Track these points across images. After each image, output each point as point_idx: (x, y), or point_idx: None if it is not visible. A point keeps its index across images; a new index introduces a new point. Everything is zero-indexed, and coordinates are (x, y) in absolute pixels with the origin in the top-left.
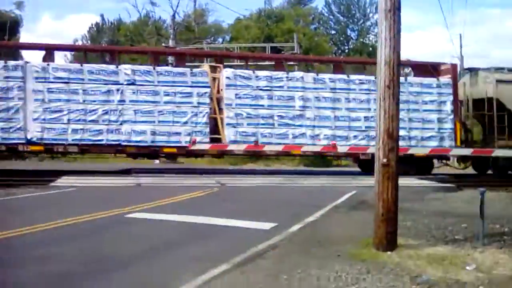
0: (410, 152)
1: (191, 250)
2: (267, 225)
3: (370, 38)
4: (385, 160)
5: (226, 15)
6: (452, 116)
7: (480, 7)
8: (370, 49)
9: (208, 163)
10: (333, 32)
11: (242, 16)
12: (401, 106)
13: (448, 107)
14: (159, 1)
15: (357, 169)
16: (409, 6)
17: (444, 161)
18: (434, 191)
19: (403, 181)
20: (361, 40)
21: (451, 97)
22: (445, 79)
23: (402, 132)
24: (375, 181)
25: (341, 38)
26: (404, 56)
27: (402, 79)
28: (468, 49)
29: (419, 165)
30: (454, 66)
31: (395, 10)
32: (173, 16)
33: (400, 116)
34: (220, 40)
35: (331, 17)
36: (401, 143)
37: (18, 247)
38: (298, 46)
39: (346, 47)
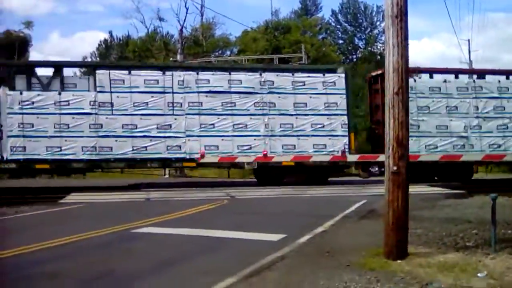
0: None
1: (199, 264)
2: (275, 237)
3: (378, 47)
4: (395, 168)
5: (233, 28)
6: None
7: (487, 12)
8: (378, 57)
9: (218, 175)
10: (340, 41)
11: (250, 29)
12: None
13: None
14: (167, 16)
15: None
16: (416, 12)
17: None
18: (445, 197)
19: (414, 188)
20: (369, 48)
21: None
22: None
23: None
24: (385, 190)
25: (349, 48)
26: (412, 63)
27: None
28: (477, 54)
29: None
30: None
31: (402, 16)
32: (181, 30)
33: None
34: (228, 53)
35: (338, 26)
36: None
37: (27, 263)
38: (306, 56)
39: (354, 56)
